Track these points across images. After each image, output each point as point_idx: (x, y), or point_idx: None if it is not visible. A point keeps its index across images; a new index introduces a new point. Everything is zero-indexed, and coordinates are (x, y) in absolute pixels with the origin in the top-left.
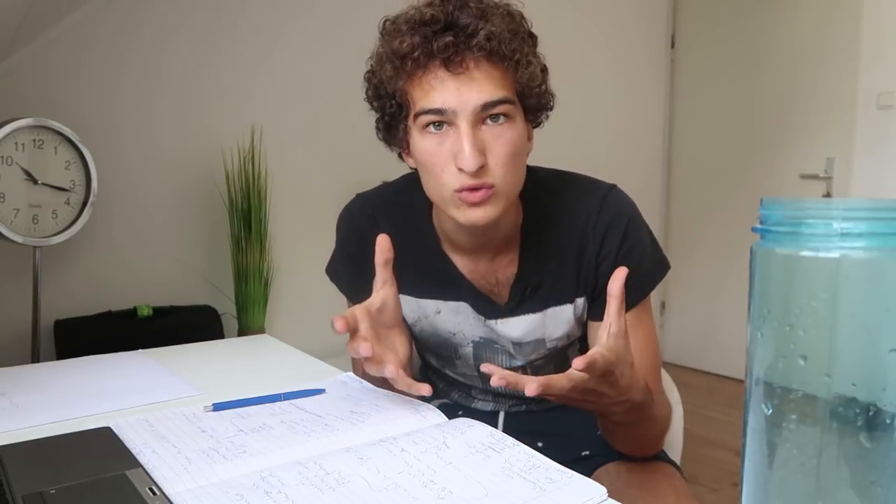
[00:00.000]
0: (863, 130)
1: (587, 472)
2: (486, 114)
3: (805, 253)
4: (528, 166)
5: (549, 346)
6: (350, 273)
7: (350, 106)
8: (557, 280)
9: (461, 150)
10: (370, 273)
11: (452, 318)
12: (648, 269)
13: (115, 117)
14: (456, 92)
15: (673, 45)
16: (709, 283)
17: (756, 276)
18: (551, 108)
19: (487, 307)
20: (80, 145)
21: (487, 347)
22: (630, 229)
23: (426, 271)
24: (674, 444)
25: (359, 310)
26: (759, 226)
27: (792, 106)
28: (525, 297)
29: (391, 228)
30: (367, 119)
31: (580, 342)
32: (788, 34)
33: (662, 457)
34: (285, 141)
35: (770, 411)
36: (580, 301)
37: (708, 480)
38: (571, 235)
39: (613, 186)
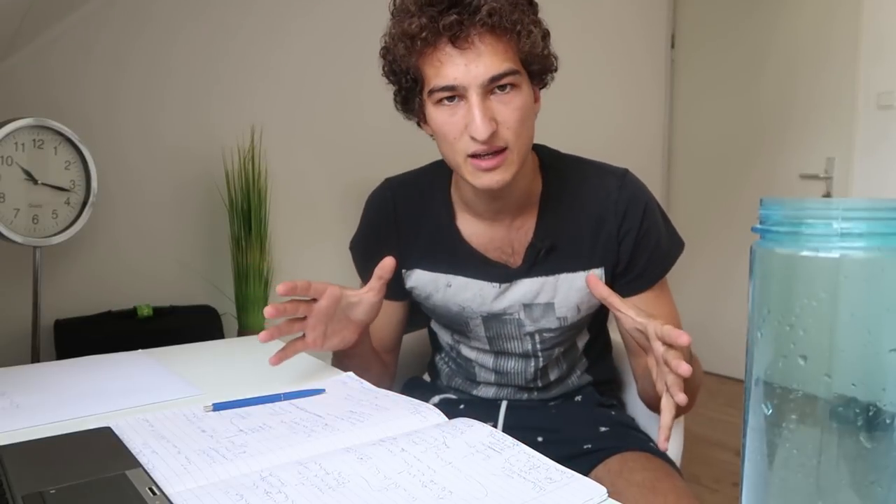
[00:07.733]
0: (863, 130)
1: (588, 466)
2: (494, 85)
3: (805, 253)
4: (547, 147)
5: (559, 314)
6: (363, 252)
7: (350, 106)
8: (572, 246)
9: (473, 120)
10: (379, 257)
11: (462, 293)
12: (666, 248)
13: (115, 117)
14: (465, 68)
15: (673, 45)
16: (709, 282)
17: (756, 276)
18: (555, 70)
19: (500, 272)
20: (80, 145)
21: (496, 321)
22: (648, 211)
23: (438, 246)
24: (674, 444)
25: (316, 285)
26: (759, 226)
27: (792, 106)
28: (538, 261)
29: (407, 208)
30: (366, 119)
31: (589, 332)
32: (788, 34)
33: (663, 456)
34: (285, 141)
35: (770, 411)
36: (596, 272)
37: (708, 480)
38: (591, 205)
39: (628, 170)
